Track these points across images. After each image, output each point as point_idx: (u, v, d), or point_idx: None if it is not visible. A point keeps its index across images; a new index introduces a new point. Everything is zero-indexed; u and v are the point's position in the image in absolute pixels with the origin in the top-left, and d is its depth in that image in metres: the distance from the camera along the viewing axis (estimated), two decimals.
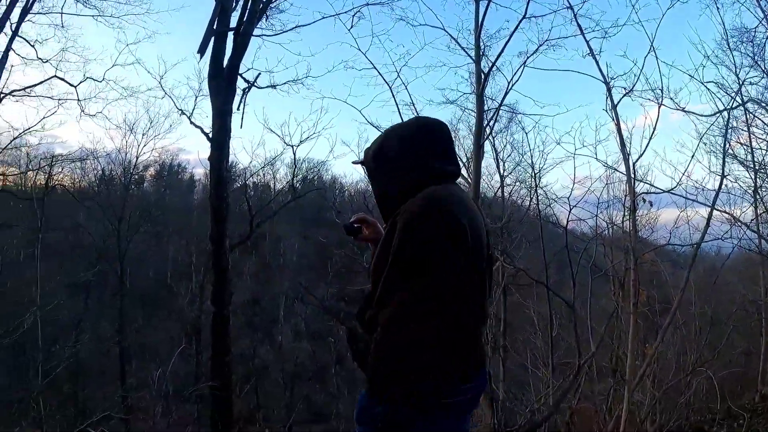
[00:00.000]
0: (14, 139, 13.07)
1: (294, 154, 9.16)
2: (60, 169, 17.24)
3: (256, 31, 8.10)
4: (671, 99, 6.00)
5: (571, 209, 6.02)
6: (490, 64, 6.44)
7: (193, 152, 47.74)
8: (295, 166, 9.31)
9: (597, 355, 6.28)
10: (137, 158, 21.50)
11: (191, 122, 8.30)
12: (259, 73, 8.18)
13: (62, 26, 11.33)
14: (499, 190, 15.02)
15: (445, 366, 1.42)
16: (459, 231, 1.41)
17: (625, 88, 5.98)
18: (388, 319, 1.39)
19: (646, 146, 5.88)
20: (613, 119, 6.04)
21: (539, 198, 7.92)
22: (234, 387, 8.73)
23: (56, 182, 17.59)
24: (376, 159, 1.67)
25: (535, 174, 9.73)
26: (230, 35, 7.72)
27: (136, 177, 24.00)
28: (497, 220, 10.47)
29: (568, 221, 6.02)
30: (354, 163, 1.91)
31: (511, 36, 6.31)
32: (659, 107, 6.00)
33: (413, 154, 1.60)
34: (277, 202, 12.21)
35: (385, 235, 1.48)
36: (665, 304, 7.36)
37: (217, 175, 7.25)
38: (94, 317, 19.72)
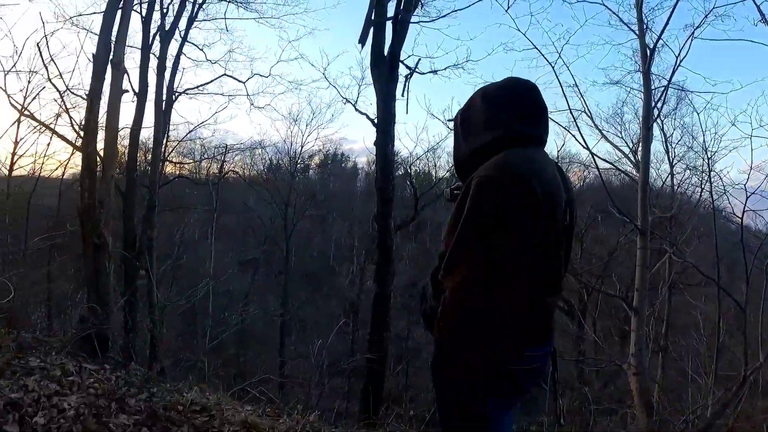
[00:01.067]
0: (190, 132, 14.79)
1: None
2: (231, 158, 18.99)
3: (413, 19, 8.28)
4: None
5: (747, 198, 5.18)
6: (655, 39, 5.74)
7: (356, 142, 50.93)
8: None
9: (764, 367, 5.49)
10: (302, 147, 22.43)
11: (356, 109, 8.79)
12: (419, 59, 8.36)
13: (227, 30, 12.68)
14: (668, 179, 13.52)
15: (511, 333, 1.41)
16: (532, 198, 1.35)
17: None
18: (458, 283, 1.37)
19: None
20: None
21: (712, 186, 6.93)
22: (388, 364, 9.07)
23: (229, 170, 19.41)
24: (462, 117, 1.64)
25: (708, 158, 8.45)
26: (389, 24, 7.98)
27: (302, 166, 25.40)
28: (666, 211, 9.46)
29: (744, 212, 5.20)
30: (449, 120, 1.89)
31: (674, 7, 5.52)
32: None
33: (493, 113, 1.55)
34: (440, 188, 12.25)
35: (459, 199, 1.43)
36: None
37: (383, 158, 7.57)
38: (260, 292, 21.74)
